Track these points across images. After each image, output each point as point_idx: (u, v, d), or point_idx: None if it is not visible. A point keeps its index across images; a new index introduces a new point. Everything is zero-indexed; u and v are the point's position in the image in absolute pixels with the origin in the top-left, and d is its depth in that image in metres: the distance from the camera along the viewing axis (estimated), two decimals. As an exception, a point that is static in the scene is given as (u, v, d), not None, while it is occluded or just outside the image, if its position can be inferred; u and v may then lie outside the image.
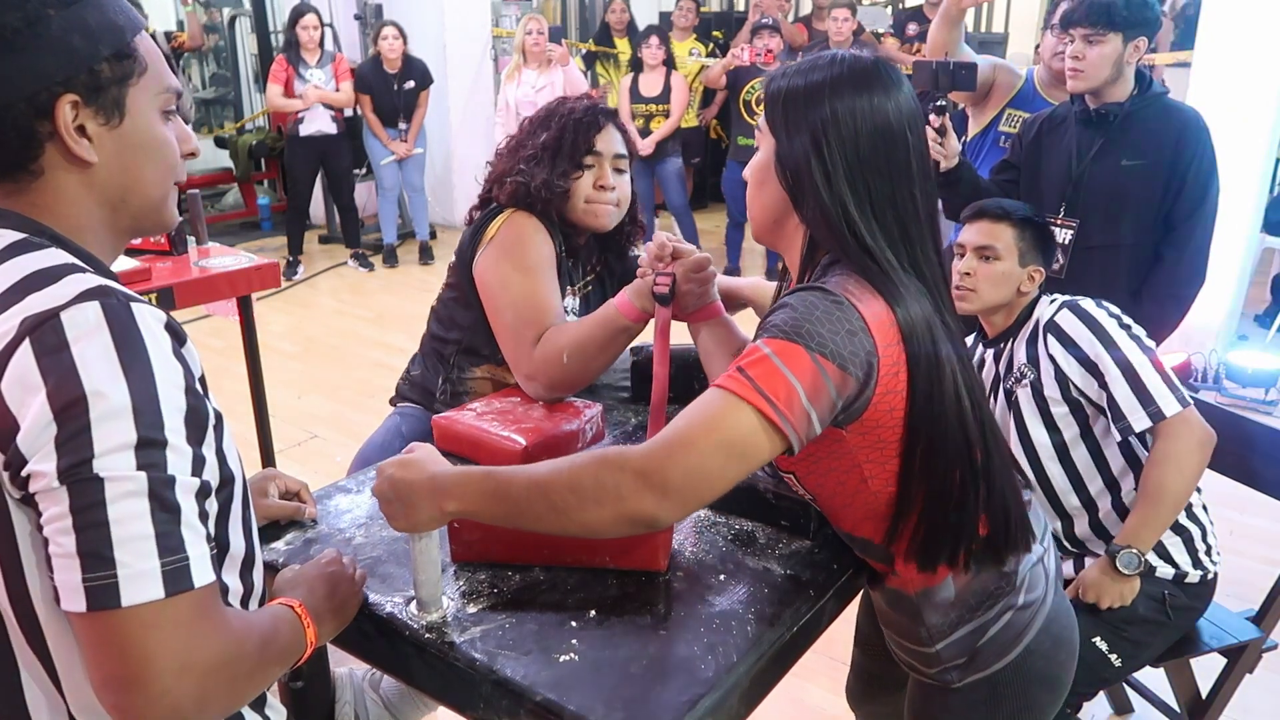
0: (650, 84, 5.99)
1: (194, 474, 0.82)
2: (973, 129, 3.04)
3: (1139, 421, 1.74)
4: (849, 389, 1.06)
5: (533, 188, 1.73)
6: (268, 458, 3.25)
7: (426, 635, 1.15)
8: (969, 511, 1.16)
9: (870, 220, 1.11)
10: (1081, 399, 1.82)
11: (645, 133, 6.01)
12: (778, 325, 1.06)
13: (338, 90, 6.04)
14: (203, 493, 0.83)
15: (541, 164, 1.75)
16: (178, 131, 0.98)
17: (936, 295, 1.14)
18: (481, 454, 1.55)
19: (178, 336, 0.85)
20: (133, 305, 0.82)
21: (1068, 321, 1.81)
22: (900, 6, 8.47)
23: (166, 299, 2.78)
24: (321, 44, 6.02)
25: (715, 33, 7.84)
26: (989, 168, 2.79)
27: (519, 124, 1.87)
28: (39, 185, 0.89)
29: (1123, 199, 2.40)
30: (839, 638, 1.69)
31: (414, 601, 1.19)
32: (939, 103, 2.45)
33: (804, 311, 1.05)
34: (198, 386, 0.85)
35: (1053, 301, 1.88)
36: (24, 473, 0.78)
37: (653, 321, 1.57)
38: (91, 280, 0.83)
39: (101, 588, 0.76)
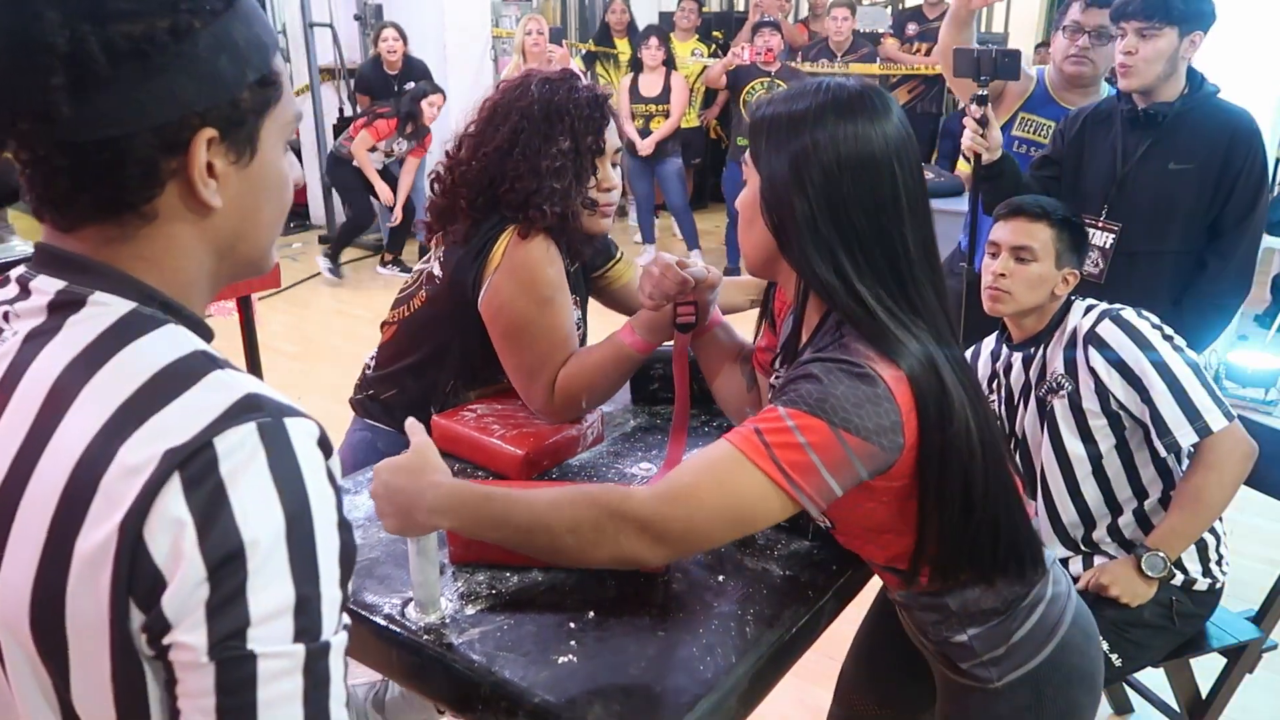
0: (650, 84, 5.99)
1: (340, 624, 0.71)
2: None
3: (1186, 437, 1.71)
4: (876, 460, 1.04)
5: (571, 215, 1.57)
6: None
7: (425, 637, 1.15)
8: (967, 535, 1.14)
9: (859, 261, 1.08)
10: (1121, 412, 1.78)
11: (645, 133, 6.01)
12: (801, 397, 1.03)
13: (408, 156, 5.99)
14: (346, 641, 0.72)
15: (568, 176, 1.57)
16: (288, 161, 0.83)
17: (935, 330, 1.11)
18: (480, 457, 1.55)
19: (327, 451, 0.72)
20: (286, 421, 0.69)
21: (1109, 332, 1.76)
22: (900, 7, 8.48)
23: (166, 300, 2.78)
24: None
25: (715, 33, 7.84)
26: None
27: (485, 109, 1.65)
28: (148, 232, 0.73)
29: (1169, 204, 2.30)
30: (839, 638, 1.69)
31: (412, 603, 1.19)
32: (979, 92, 2.36)
33: (829, 385, 1.03)
34: (345, 513, 0.73)
35: (1089, 309, 1.82)
36: (166, 641, 0.65)
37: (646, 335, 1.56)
38: (233, 382, 0.70)
39: None
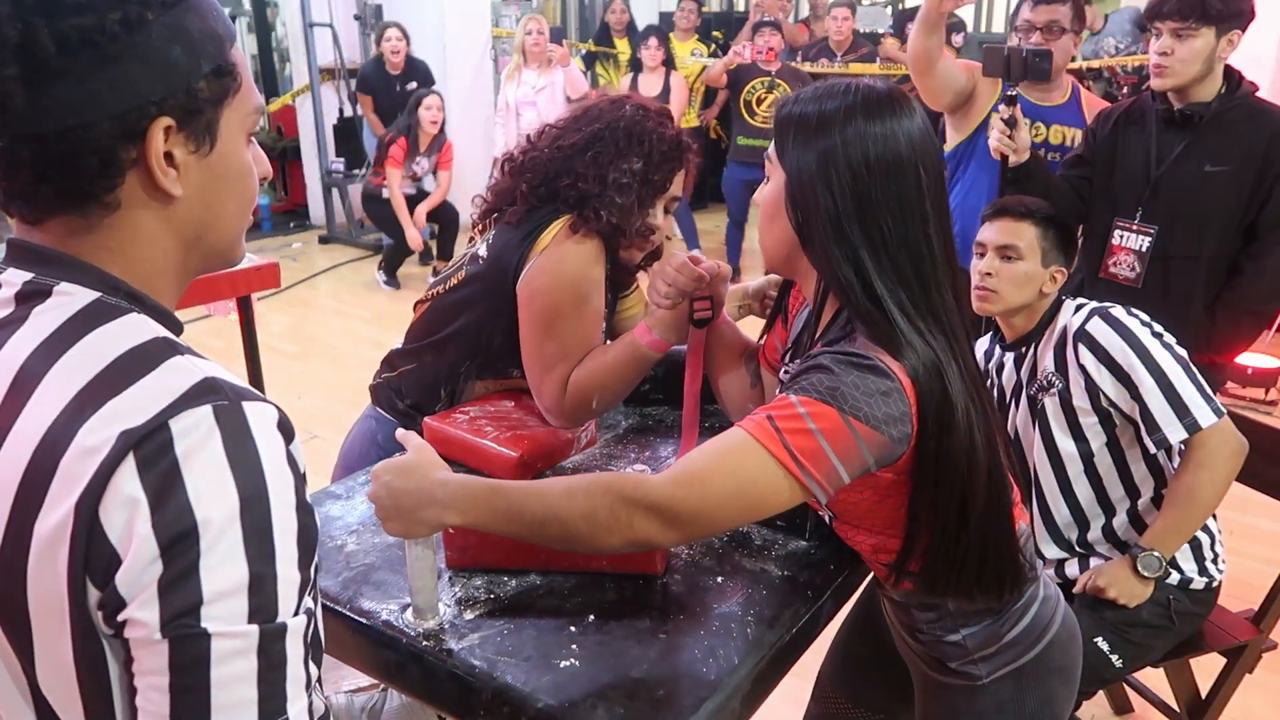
0: (649, 84, 5.99)
1: (300, 607, 0.71)
2: (953, 138, 2.88)
3: (1175, 433, 1.71)
4: (885, 449, 1.05)
5: (623, 231, 1.59)
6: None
7: (424, 643, 1.14)
8: (957, 550, 1.15)
9: (883, 264, 1.08)
10: (1112, 409, 1.79)
11: (645, 133, 5.99)
12: (813, 385, 1.05)
13: (435, 175, 5.88)
14: (308, 624, 0.72)
15: (631, 194, 1.59)
16: (253, 154, 0.84)
17: (953, 338, 1.11)
18: (473, 460, 1.54)
19: (288, 435, 0.73)
20: (244, 405, 0.70)
21: (1099, 330, 1.76)
22: (900, 7, 8.48)
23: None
24: (442, 130, 5.83)
25: (715, 33, 7.84)
26: (977, 179, 2.74)
27: (578, 109, 1.68)
28: (112, 222, 0.75)
29: (1205, 207, 2.25)
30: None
31: (410, 609, 1.19)
32: (1008, 92, 2.32)
33: (840, 374, 1.04)
34: (306, 496, 0.74)
35: (1079, 308, 1.83)
36: (121, 618, 0.66)
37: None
38: (192, 368, 0.71)
39: None
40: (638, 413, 1.84)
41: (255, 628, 0.67)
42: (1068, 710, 1.34)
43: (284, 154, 7.52)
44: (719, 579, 1.29)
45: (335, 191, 6.97)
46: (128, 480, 0.65)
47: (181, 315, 0.83)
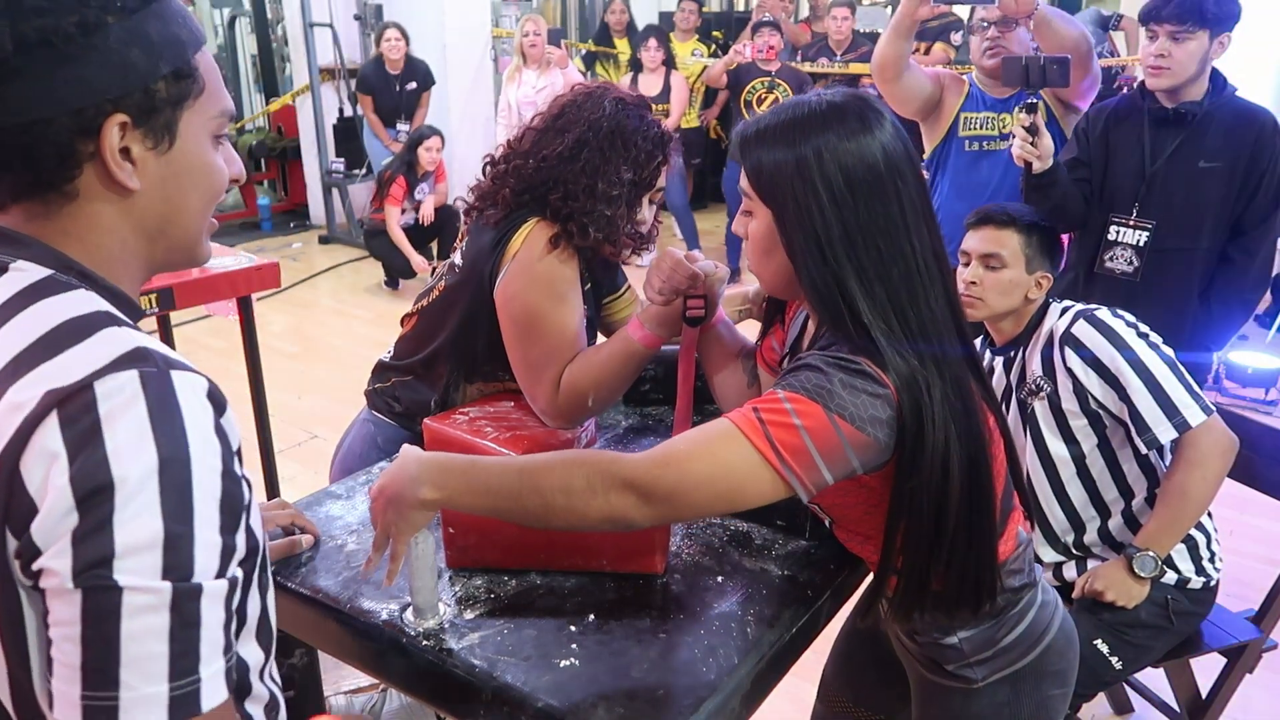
0: (649, 84, 5.99)
1: (221, 572, 0.72)
2: (928, 143, 2.91)
3: (1165, 433, 1.72)
4: (870, 450, 1.05)
5: (610, 240, 1.58)
6: (268, 459, 3.24)
7: (424, 642, 1.15)
8: (933, 567, 1.13)
9: (874, 290, 1.07)
10: (1101, 411, 1.79)
11: (645, 133, 5.99)
12: (800, 382, 1.05)
13: (433, 192, 5.86)
14: (230, 590, 0.74)
15: (620, 205, 1.58)
16: (225, 155, 0.88)
17: (941, 356, 1.09)
18: None
19: (219, 406, 0.76)
20: (172, 373, 0.73)
21: (1085, 333, 1.77)
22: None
23: (166, 299, 2.78)
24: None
25: (715, 33, 7.84)
26: (954, 180, 2.76)
27: (555, 107, 1.65)
28: (71, 210, 0.80)
29: (1200, 202, 2.34)
30: (835, 637, 1.69)
31: (410, 609, 1.19)
32: (1029, 100, 2.34)
33: (828, 373, 1.05)
34: (235, 466, 0.76)
35: (1065, 311, 1.84)
36: (35, 567, 0.69)
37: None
38: (126, 338, 0.75)
39: (100, 708, 0.68)
40: (637, 412, 1.84)
41: (168, 584, 0.69)
42: (1062, 713, 1.34)
43: (284, 154, 7.52)
44: (719, 579, 1.29)
45: (335, 191, 6.96)
46: (49, 435, 0.69)
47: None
